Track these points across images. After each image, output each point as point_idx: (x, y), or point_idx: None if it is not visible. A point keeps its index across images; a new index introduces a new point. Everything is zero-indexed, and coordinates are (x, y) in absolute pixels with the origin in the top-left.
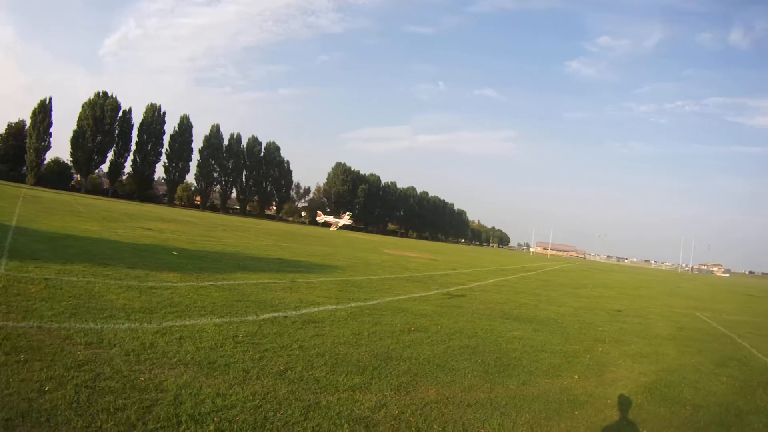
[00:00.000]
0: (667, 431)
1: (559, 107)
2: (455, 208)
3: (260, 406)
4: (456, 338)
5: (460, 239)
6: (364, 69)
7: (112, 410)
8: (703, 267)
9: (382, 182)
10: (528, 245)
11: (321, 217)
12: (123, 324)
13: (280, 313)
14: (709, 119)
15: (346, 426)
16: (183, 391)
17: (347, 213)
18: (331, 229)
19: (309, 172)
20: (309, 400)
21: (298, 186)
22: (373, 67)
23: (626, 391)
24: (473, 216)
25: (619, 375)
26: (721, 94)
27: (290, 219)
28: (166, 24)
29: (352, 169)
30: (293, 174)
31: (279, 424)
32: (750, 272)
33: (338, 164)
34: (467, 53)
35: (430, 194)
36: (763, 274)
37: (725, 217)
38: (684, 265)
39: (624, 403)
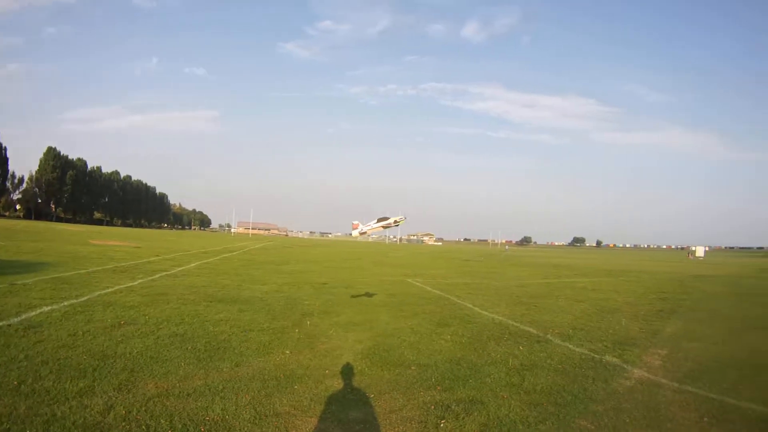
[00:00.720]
0: (396, 393)
1: (269, 87)
2: (157, 191)
3: (9, 429)
4: (164, 327)
5: (162, 224)
6: (85, 43)
7: None
8: (413, 237)
9: (89, 167)
10: (229, 226)
11: (358, 228)
12: None
13: (4, 322)
14: (425, 102)
15: None
16: None
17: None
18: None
19: (28, 160)
20: (46, 413)
21: (13, 176)
22: (94, 42)
23: (344, 360)
24: (175, 199)
25: (333, 345)
26: (440, 80)
27: (7, 214)
28: None
29: (62, 154)
30: (11, 162)
31: None
32: (465, 239)
33: (49, 149)
34: (179, 29)
35: (134, 178)
36: (479, 240)
37: (443, 189)
38: (392, 236)
39: (344, 371)
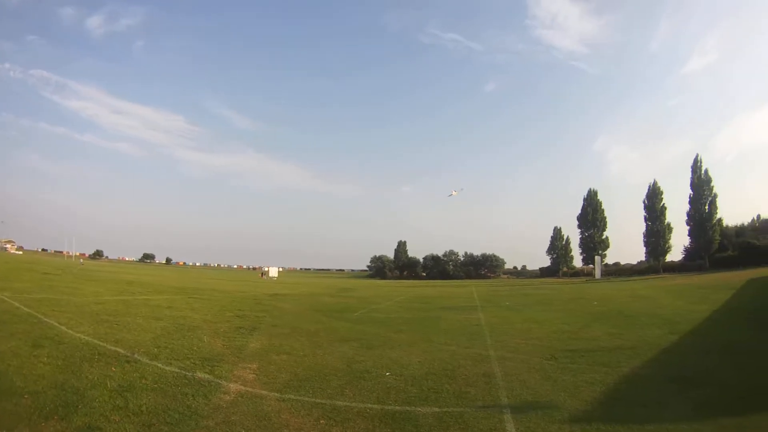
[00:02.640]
0: (22, 426)
1: None
2: None
3: None
4: None
5: None
6: None
7: None
8: None
9: None
10: None
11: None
12: None
13: None
14: (29, 90)
15: None
16: None
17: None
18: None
19: None
20: None
21: None
22: None
23: None
24: None
25: None
26: (50, 69)
27: None
28: None
29: None
30: None
31: None
32: (43, 249)
33: None
34: None
35: None
36: (56, 251)
37: (28, 192)
38: None
39: None
